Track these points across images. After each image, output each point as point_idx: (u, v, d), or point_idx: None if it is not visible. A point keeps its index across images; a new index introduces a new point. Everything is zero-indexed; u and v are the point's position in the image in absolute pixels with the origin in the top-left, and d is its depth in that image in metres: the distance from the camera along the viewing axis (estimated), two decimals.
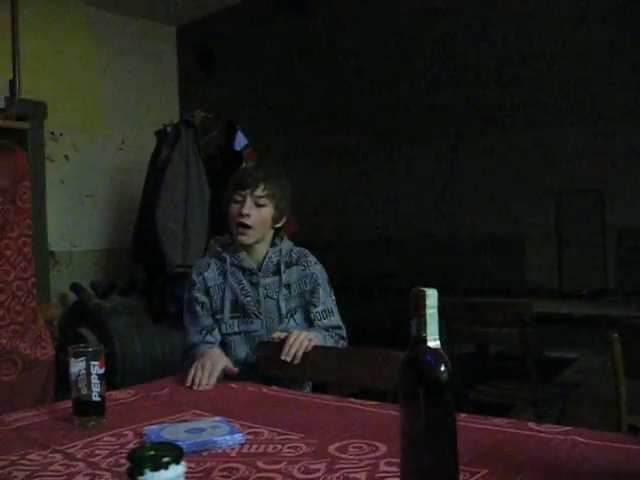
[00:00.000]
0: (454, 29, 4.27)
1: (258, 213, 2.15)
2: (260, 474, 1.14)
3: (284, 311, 2.18)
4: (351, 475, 1.11)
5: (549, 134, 4.45)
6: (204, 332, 2.17)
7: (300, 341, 1.97)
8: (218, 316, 2.19)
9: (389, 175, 4.89)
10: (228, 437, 1.29)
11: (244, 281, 2.21)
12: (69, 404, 1.61)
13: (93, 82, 5.19)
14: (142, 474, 0.70)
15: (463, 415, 1.34)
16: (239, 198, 2.15)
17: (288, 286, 2.21)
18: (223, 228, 3.82)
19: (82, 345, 1.61)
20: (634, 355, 2.09)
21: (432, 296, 0.91)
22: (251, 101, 4.91)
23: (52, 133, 4.89)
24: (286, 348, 1.95)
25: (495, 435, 1.29)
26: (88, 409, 1.53)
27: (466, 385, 3.19)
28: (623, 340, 2.10)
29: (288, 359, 1.95)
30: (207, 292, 2.21)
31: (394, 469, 1.11)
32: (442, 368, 0.91)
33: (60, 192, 4.90)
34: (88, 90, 5.14)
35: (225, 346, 2.17)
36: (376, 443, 1.26)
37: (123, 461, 1.23)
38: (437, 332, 0.91)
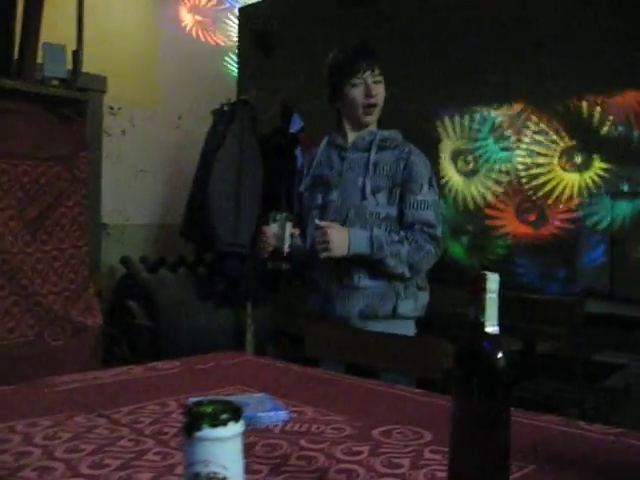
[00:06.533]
0: None
1: (379, 91, 2.29)
2: (303, 452, 1.13)
3: (367, 189, 2.24)
4: (394, 460, 1.09)
5: None
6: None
7: (320, 244, 2.13)
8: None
9: None
10: (272, 413, 1.29)
11: (333, 156, 2.37)
12: (115, 372, 1.72)
13: (153, 59, 5.24)
14: (200, 429, 0.66)
15: (512, 409, 1.31)
16: (358, 81, 2.26)
17: (375, 165, 2.27)
18: (275, 208, 3.84)
19: (279, 211, 2.25)
20: None
21: (493, 280, 0.86)
22: (309, 85, 4.87)
23: (111, 108, 4.97)
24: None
25: (544, 431, 1.26)
26: (280, 257, 2.17)
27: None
28: None
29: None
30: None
31: (439, 457, 1.08)
32: (499, 355, 0.87)
33: (115, 166, 4.98)
34: (148, 66, 5.20)
35: (306, 225, 2.35)
36: (421, 430, 1.23)
37: (167, 429, 1.24)
38: (496, 318, 0.86)
